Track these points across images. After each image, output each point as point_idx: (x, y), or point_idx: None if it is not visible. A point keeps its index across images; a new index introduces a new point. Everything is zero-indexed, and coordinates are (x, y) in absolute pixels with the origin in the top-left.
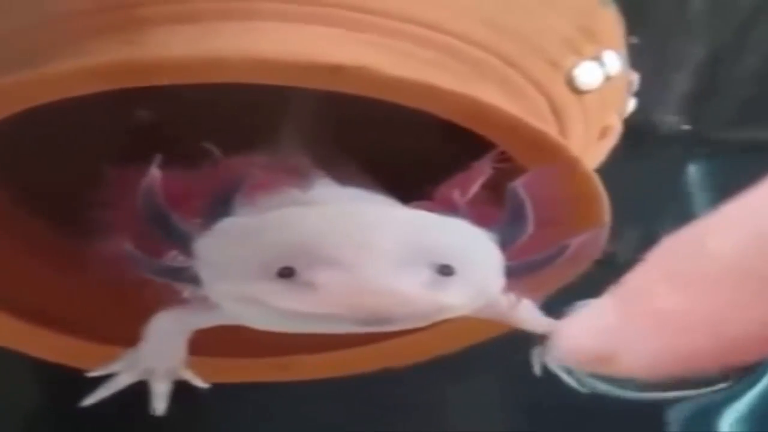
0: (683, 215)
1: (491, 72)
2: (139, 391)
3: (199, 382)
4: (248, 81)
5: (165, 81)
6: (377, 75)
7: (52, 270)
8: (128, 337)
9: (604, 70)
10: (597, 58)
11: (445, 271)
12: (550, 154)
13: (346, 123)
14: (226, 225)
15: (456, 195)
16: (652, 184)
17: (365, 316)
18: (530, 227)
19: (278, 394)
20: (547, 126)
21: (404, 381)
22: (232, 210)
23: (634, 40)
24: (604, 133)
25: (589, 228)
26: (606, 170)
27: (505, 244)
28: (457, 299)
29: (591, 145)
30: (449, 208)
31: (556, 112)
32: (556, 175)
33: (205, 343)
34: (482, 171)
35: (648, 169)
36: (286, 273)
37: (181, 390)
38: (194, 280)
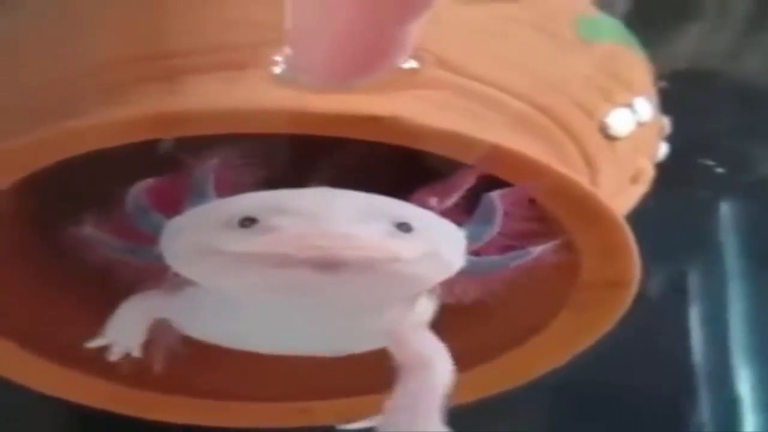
0: (714, 253)
1: (525, 120)
2: None
3: None
4: (287, 131)
5: (206, 131)
6: (411, 125)
7: (64, 302)
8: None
9: (636, 117)
10: (629, 105)
11: (403, 228)
12: (580, 204)
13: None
14: (198, 207)
15: (433, 201)
16: (684, 221)
17: (319, 257)
18: (495, 230)
19: None
20: (579, 174)
21: None
22: (206, 200)
23: (664, 84)
24: (636, 178)
25: (617, 278)
26: (638, 206)
27: (469, 242)
28: (412, 252)
29: (623, 190)
30: (422, 206)
31: (588, 159)
32: (533, 193)
33: (227, 387)
34: (465, 181)
35: (680, 208)
36: (247, 223)
37: None
38: (159, 257)
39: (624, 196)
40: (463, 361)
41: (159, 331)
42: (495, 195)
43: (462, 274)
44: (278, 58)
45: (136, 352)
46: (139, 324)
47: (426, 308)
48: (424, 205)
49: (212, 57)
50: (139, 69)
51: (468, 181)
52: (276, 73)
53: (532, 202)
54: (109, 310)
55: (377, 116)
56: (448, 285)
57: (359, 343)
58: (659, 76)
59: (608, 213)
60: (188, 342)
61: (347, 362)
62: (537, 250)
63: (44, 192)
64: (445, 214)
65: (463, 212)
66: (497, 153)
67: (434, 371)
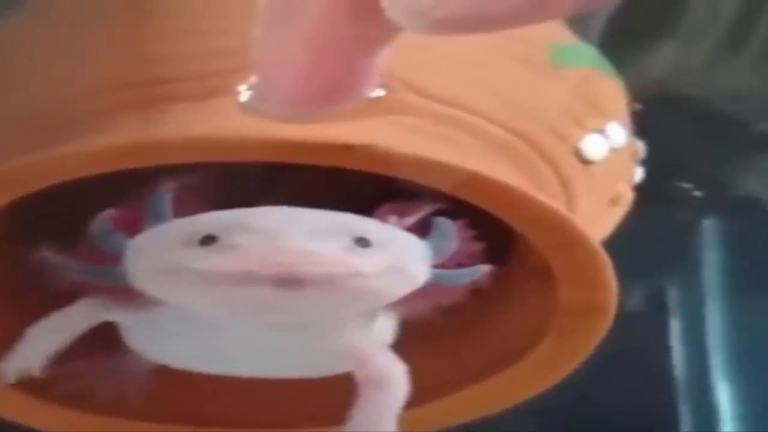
0: (694, 268)
1: (500, 145)
2: None
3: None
4: (264, 159)
5: (181, 160)
6: (386, 153)
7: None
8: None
9: (609, 142)
10: (602, 130)
11: (362, 243)
12: (557, 231)
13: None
14: (157, 227)
15: (393, 219)
16: (664, 237)
17: (280, 273)
18: (455, 244)
19: None
20: (556, 199)
21: None
22: (164, 219)
23: (638, 107)
24: (614, 201)
25: (595, 304)
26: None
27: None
28: (372, 267)
29: (601, 214)
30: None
31: (564, 183)
32: (509, 220)
33: (207, 414)
34: (429, 205)
35: (660, 224)
36: (208, 241)
37: None
38: (121, 277)
39: (603, 219)
40: (447, 385)
41: (128, 361)
42: (447, 221)
43: (426, 287)
44: (244, 87)
45: (36, 369)
46: (59, 335)
47: (387, 324)
48: (385, 222)
49: (187, 85)
50: (116, 96)
51: (433, 204)
52: (242, 101)
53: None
54: (84, 341)
55: (351, 144)
56: (410, 299)
57: (326, 364)
58: (634, 98)
59: (585, 240)
60: (165, 369)
61: (328, 388)
62: (485, 268)
63: (15, 217)
64: (409, 227)
65: (427, 226)
66: (473, 180)
67: (392, 388)
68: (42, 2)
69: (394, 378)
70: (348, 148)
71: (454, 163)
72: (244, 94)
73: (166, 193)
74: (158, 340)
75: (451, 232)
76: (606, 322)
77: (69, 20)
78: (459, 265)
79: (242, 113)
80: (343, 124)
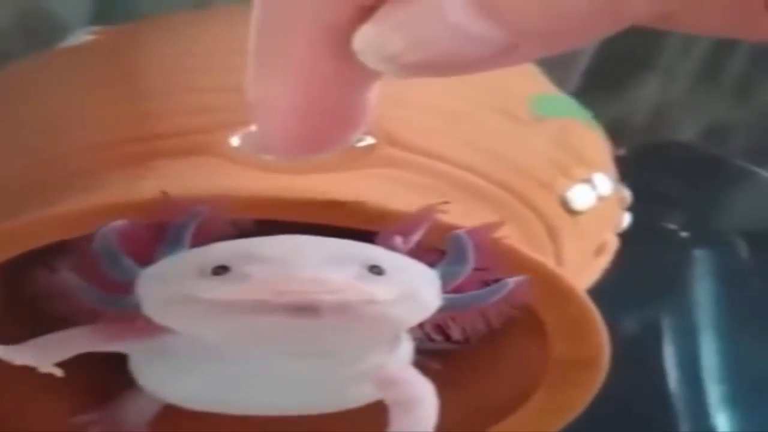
0: (685, 298)
1: (487, 197)
2: None
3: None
4: (252, 216)
5: (171, 218)
6: (373, 209)
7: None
8: None
9: (596, 192)
10: (588, 180)
11: (375, 270)
12: (547, 285)
13: None
14: (172, 256)
15: (398, 241)
16: (655, 268)
17: (293, 302)
18: (470, 267)
19: None
20: (544, 251)
21: None
22: (180, 249)
23: (622, 152)
24: (599, 250)
25: (585, 357)
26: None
27: (445, 282)
28: (386, 294)
29: (587, 264)
30: (389, 248)
31: (552, 234)
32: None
33: None
34: (426, 218)
35: (650, 256)
36: (220, 271)
37: None
38: (135, 306)
39: (589, 269)
40: None
41: (132, 411)
42: (462, 232)
43: (442, 312)
44: (237, 136)
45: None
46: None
47: (406, 349)
48: (391, 246)
49: (176, 141)
50: (106, 154)
51: (429, 219)
52: (236, 146)
53: None
54: (87, 393)
55: (340, 201)
56: (430, 324)
57: (349, 393)
58: (615, 142)
59: (573, 293)
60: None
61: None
62: (513, 281)
63: None
64: (419, 255)
65: (438, 252)
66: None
67: (423, 406)
68: (32, 58)
69: (424, 395)
70: (337, 205)
71: (442, 219)
72: (237, 140)
73: (189, 224)
74: (173, 375)
75: (466, 247)
76: (598, 376)
77: (59, 78)
78: (486, 283)
79: (229, 170)
80: (330, 178)
